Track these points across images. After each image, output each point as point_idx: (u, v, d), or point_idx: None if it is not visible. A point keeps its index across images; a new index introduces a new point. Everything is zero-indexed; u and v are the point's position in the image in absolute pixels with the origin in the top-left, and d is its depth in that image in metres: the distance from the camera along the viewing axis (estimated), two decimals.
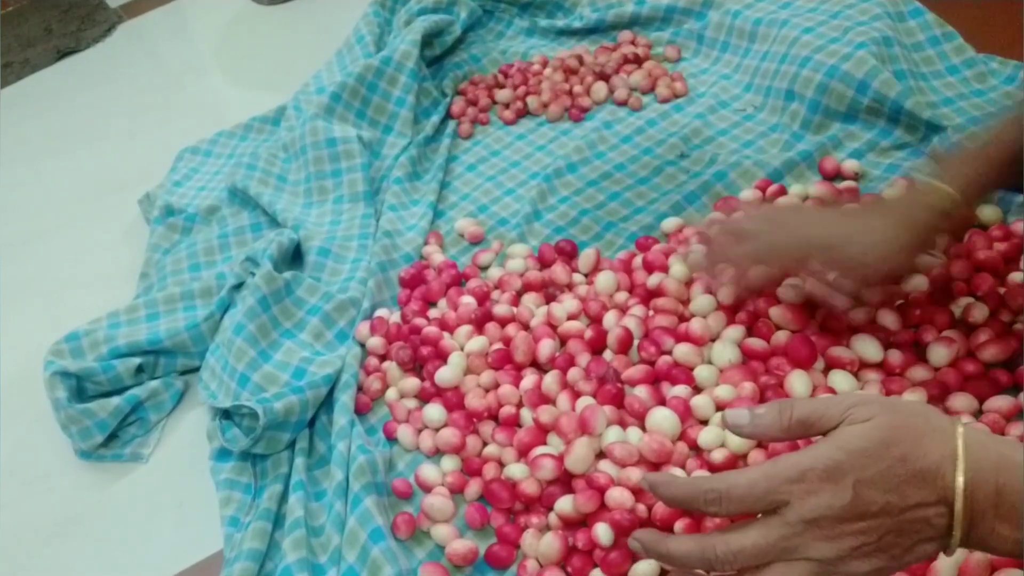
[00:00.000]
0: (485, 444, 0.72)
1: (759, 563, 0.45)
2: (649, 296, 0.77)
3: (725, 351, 0.69)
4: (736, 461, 0.63)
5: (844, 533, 0.43)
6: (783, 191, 0.84)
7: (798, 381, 0.66)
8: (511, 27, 1.23)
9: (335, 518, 0.67)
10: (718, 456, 0.63)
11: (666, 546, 0.48)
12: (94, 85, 1.42)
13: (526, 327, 0.77)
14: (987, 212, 0.76)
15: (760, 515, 0.45)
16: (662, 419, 0.65)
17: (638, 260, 0.81)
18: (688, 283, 0.76)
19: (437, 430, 0.72)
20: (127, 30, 1.56)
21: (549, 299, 0.80)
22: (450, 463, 0.71)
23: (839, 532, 0.43)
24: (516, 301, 0.81)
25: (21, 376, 0.91)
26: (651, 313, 0.75)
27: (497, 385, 0.73)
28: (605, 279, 0.79)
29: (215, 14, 1.52)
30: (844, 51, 0.89)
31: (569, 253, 0.84)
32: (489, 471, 0.69)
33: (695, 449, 0.65)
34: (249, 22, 1.48)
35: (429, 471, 0.70)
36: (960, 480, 0.42)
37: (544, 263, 0.84)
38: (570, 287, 0.81)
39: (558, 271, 0.81)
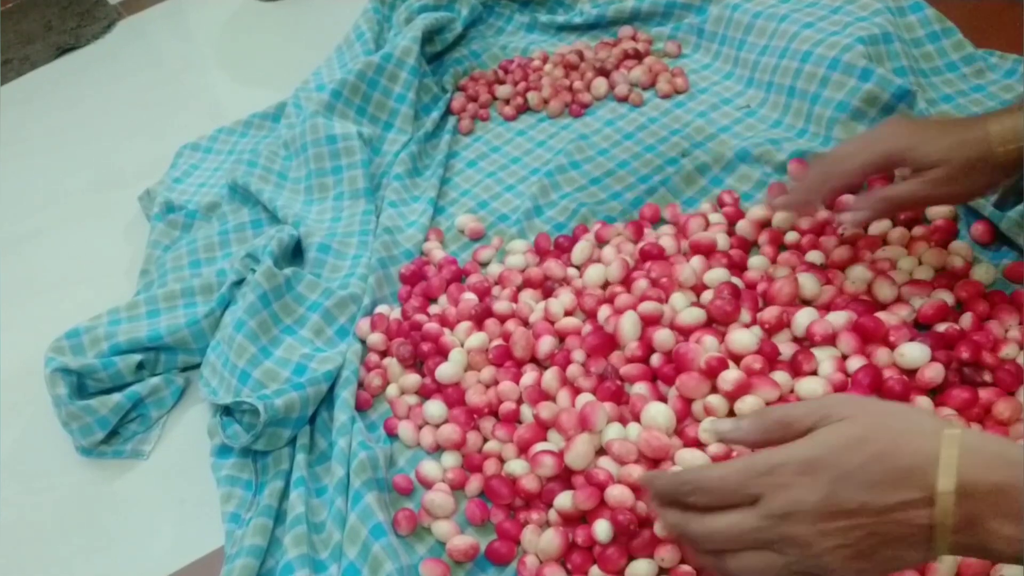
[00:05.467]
0: (485, 440, 0.72)
1: (731, 548, 0.45)
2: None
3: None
4: (731, 455, 0.63)
5: (821, 532, 0.42)
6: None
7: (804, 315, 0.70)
8: (511, 23, 1.23)
9: (336, 514, 0.67)
10: (715, 450, 0.63)
11: (656, 508, 0.50)
12: (94, 82, 1.42)
13: (525, 323, 0.78)
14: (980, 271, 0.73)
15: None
16: (656, 413, 0.65)
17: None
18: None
19: (438, 426, 0.72)
20: (126, 27, 1.56)
21: (547, 293, 0.80)
22: (451, 459, 0.71)
23: (815, 531, 0.42)
24: (516, 297, 0.81)
25: (22, 373, 0.91)
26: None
27: (497, 381, 0.74)
28: (595, 272, 0.79)
29: (214, 10, 1.52)
30: (844, 43, 0.89)
31: (567, 249, 0.84)
32: (489, 467, 0.69)
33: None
34: (249, 19, 1.48)
35: (430, 467, 0.70)
36: (942, 481, 0.40)
37: (540, 253, 0.84)
38: (566, 280, 0.81)
39: (552, 266, 0.81)
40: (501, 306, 0.79)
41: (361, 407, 0.77)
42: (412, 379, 0.77)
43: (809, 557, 0.43)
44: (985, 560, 0.43)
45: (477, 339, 0.76)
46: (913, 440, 0.42)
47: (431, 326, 0.79)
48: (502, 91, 1.08)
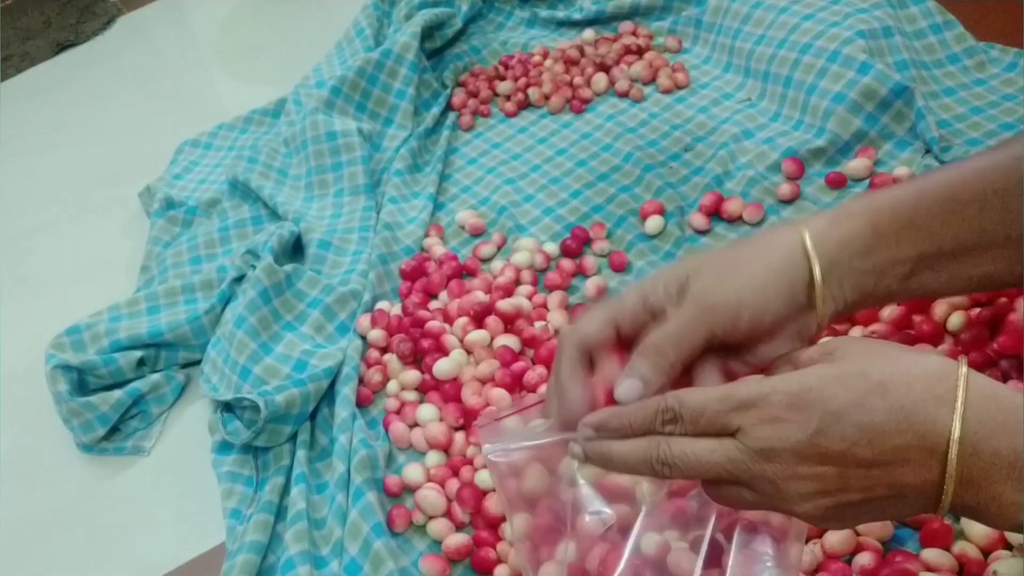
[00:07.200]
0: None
1: (704, 477, 0.40)
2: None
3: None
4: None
5: (799, 476, 0.37)
6: (801, 169, 0.86)
7: None
8: (511, 18, 1.23)
9: (337, 511, 0.67)
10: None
11: (608, 449, 0.41)
12: (94, 78, 1.42)
13: (526, 322, 0.77)
14: None
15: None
16: None
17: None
18: None
19: (428, 427, 0.72)
20: (126, 23, 1.55)
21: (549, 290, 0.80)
22: (435, 458, 0.71)
23: (793, 473, 0.37)
24: (512, 292, 0.81)
25: (22, 370, 0.91)
26: None
27: (496, 380, 0.73)
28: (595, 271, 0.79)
29: (214, 6, 1.52)
30: (844, 35, 0.89)
31: (568, 247, 0.84)
32: (466, 473, 0.69)
33: None
34: (248, 15, 1.48)
35: (417, 469, 0.70)
36: (958, 426, 0.35)
37: (541, 252, 0.84)
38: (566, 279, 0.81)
39: (553, 264, 0.81)
40: (502, 304, 0.79)
41: (361, 403, 0.77)
42: (412, 375, 0.76)
43: (782, 501, 0.39)
44: (979, 522, 0.38)
45: (477, 336, 0.76)
46: (923, 376, 0.36)
47: (432, 323, 0.78)
48: (503, 87, 1.08)
